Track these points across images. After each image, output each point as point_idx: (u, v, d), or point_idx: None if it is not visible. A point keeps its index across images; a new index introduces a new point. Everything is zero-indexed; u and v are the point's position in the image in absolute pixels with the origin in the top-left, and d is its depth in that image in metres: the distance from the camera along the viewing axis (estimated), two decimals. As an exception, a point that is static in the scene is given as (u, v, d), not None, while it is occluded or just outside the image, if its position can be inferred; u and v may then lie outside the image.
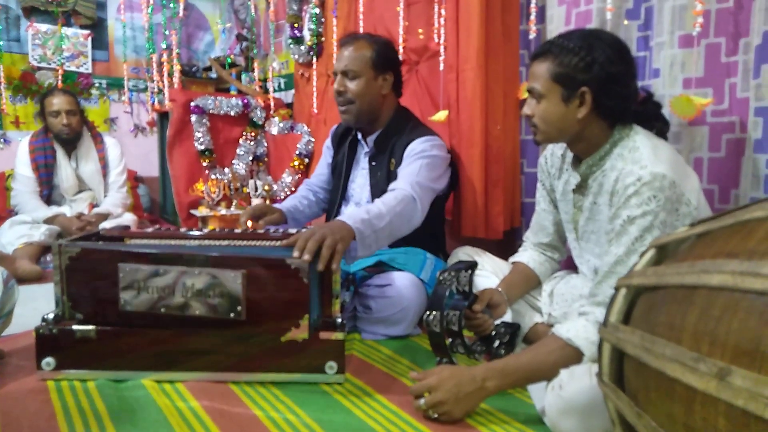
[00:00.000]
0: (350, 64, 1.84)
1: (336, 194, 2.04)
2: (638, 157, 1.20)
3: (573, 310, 1.45)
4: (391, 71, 1.89)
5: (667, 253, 0.82)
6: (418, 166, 1.75)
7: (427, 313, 1.35)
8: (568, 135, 1.30)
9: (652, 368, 0.68)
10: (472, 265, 1.49)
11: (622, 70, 1.23)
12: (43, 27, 3.78)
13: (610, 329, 0.80)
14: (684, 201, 1.19)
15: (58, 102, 2.82)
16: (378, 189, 1.89)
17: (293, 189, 3.34)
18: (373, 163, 1.94)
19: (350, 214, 1.52)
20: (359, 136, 2.00)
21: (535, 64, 1.28)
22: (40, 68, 3.78)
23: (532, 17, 1.95)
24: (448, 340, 1.38)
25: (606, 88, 1.22)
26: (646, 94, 1.36)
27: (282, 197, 3.36)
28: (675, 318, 0.68)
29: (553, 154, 1.50)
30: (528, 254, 1.60)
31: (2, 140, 3.73)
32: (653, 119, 1.32)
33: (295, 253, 1.32)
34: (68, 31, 3.86)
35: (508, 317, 1.54)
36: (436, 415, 1.17)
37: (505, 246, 2.10)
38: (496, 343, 1.47)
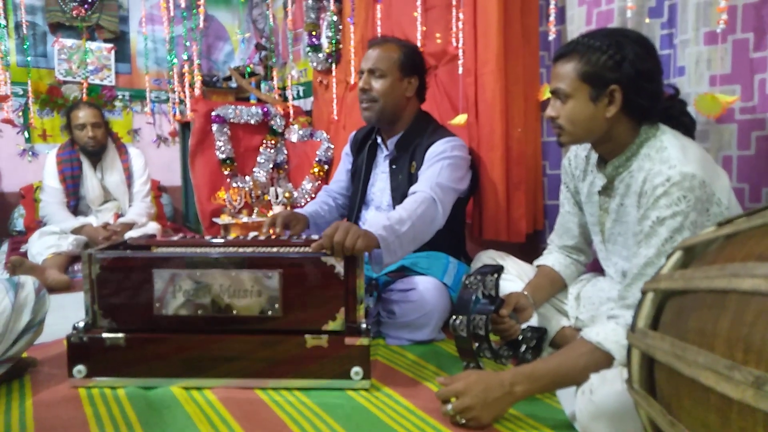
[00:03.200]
0: (377, 63, 1.86)
1: (355, 198, 2.05)
2: (666, 157, 1.18)
3: (601, 313, 1.42)
4: (417, 75, 1.91)
5: (695, 255, 0.80)
6: (438, 168, 1.75)
7: (454, 317, 1.34)
8: (596, 135, 1.28)
9: (685, 376, 0.66)
10: (498, 269, 1.47)
11: (651, 67, 1.21)
12: (69, 42, 3.87)
13: (639, 335, 0.78)
14: (715, 201, 1.17)
15: (83, 115, 2.89)
16: (399, 192, 1.89)
17: (313, 195, 3.36)
18: (394, 167, 1.94)
19: (371, 222, 1.52)
20: (378, 139, 2.01)
21: (559, 65, 1.27)
22: (65, 82, 3.88)
23: (552, 18, 1.93)
24: (475, 345, 1.37)
25: (636, 85, 1.20)
26: (672, 92, 1.33)
27: (302, 204, 3.38)
28: (706, 324, 0.66)
29: (577, 155, 1.48)
30: (553, 257, 1.58)
31: (30, 153, 3.82)
32: (680, 116, 1.30)
33: (328, 251, 1.36)
34: (92, 45, 3.95)
35: (534, 321, 1.53)
36: (463, 421, 1.16)
37: (528, 249, 2.08)
38: (523, 347, 1.45)
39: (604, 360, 1.11)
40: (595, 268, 1.60)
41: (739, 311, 0.63)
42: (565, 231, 1.58)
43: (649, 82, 1.21)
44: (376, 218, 1.61)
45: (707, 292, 0.68)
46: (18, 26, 3.71)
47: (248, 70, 3.99)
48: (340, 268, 1.36)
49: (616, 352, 1.10)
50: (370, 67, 1.87)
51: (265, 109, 3.65)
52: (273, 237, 1.72)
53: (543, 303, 1.55)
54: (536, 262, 1.63)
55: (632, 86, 1.20)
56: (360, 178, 2.04)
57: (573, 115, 1.25)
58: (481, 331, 1.35)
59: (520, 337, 1.46)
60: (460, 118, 2.19)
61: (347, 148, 2.17)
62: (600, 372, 1.08)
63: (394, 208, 1.86)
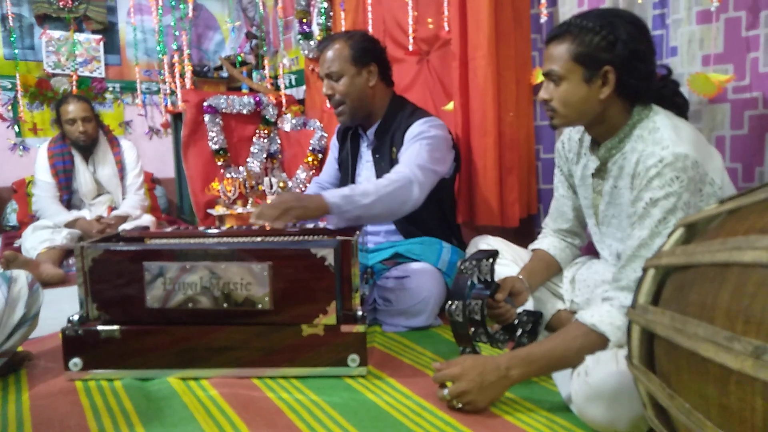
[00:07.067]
0: (331, 65, 1.84)
1: None
2: (659, 138, 1.18)
3: (596, 296, 1.43)
4: (374, 62, 1.87)
5: (697, 232, 0.80)
6: (417, 148, 1.74)
7: (449, 302, 1.34)
8: (589, 117, 1.27)
9: (684, 349, 0.66)
10: (493, 254, 1.47)
11: (643, 48, 1.21)
12: (56, 34, 3.82)
13: (639, 311, 0.78)
14: (708, 181, 1.17)
15: (73, 110, 2.85)
16: None
17: (308, 185, 3.34)
18: (377, 155, 1.93)
19: (334, 191, 1.57)
20: (360, 130, 2.00)
21: (551, 46, 1.26)
22: (54, 75, 3.83)
23: (543, 0, 1.92)
24: (471, 330, 1.37)
25: (629, 66, 1.20)
26: (665, 72, 1.33)
27: (297, 194, 3.37)
28: (707, 297, 0.66)
29: (571, 138, 1.48)
30: (548, 241, 1.58)
31: (21, 147, 3.79)
32: (672, 97, 1.29)
33: (252, 219, 1.43)
34: (80, 36, 3.90)
35: (529, 305, 1.53)
36: (460, 405, 1.16)
37: (523, 234, 2.08)
38: (519, 331, 1.45)
39: (599, 342, 1.11)
40: (590, 251, 1.60)
41: (740, 283, 0.62)
42: (559, 215, 1.58)
43: (642, 62, 1.21)
44: (340, 189, 1.65)
45: (708, 266, 0.68)
46: (4, 18, 3.66)
47: (239, 59, 3.95)
48: (331, 260, 1.33)
49: (611, 334, 1.10)
50: (326, 72, 1.86)
51: (258, 99, 3.62)
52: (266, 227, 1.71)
53: (538, 287, 1.55)
54: (531, 247, 1.63)
55: (625, 67, 1.20)
56: (347, 169, 2.04)
57: (566, 97, 1.24)
58: (476, 316, 1.36)
59: (516, 321, 1.46)
60: (454, 104, 2.17)
61: (334, 139, 2.18)
62: (595, 354, 1.09)
63: None
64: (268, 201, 3.33)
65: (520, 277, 1.50)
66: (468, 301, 1.35)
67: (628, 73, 1.20)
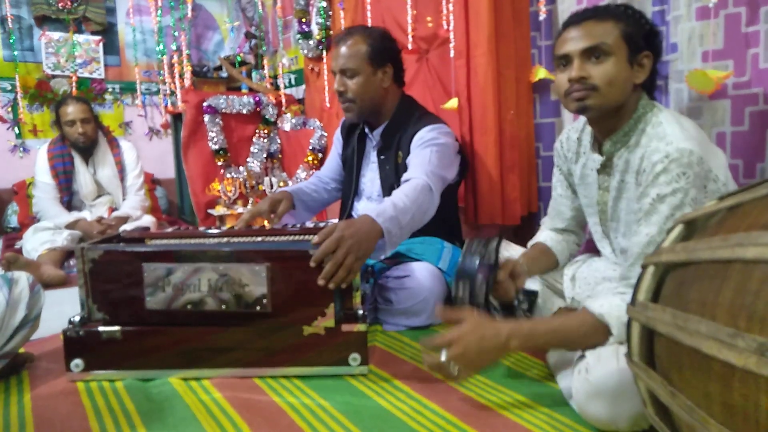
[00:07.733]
0: (347, 62, 1.79)
1: (349, 189, 2.03)
2: (663, 133, 1.17)
3: (597, 293, 1.42)
4: (390, 63, 1.84)
5: (696, 228, 0.80)
6: (428, 154, 1.72)
7: (456, 282, 1.34)
8: (621, 102, 1.23)
9: (686, 346, 0.66)
10: (499, 237, 1.47)
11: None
12: (56, 35, 3.82)
13: (639, 308, 0.78)
14: (712, 177, 1.16)
15: (72, 111, 2.85)
16: (387, 183, 1.87)
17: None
18: (382, 157, 1.92)
19: (380, 209, 1.47)
20: (366, 129, 1.99)
21: (590, 24, 1.20)
22: (54, 76, 3.83)
23: (543, -2, 1.91)
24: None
25: (657, 57, 1.23)
26: None
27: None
28: (708, 294, 0.66)
29: (569, 137, 1.48)
30: (545, 234, 1.59)
31: (21, 149, 3.79)
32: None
33: (312, 264, 1.31)
34: (80, 38, 3.90)
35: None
36: (456, 370, 1.11)
37: (523, 232, 2.08)
38: (517, 311, 1.45)
39: (603, 333, 1.09)
40: (590, 249, 1.60)
41: (743, 280, 0.62)
42: (557, 214, 1.57)
43: (660, 57, 1.25)
44: (382, 205, 1.54)
45: (710, 263, 0.68)
46: (3, 20, 3.66)
47: (238, 59, 3.95)
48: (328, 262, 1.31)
49: (615, 328, 1.09)
50: (340, 67, 1.81)
51: (257, 99, 3.62)
52: (265, 227, 1.72)
53: (536, 273, 1.55)
54: (529, 244, 1.63)
55: (657, 57, 1.23)
56: (351, 168, 2.02)
57: (614, 75, 1.19)
58: (481, 297, 1.35)
59: (516, 302, 1.46)
60: (453, 102, 2.17)
61: (338, 133, 2.15)
62: (596, 351, 1.08)
63: (384, 197, 1.85)
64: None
65: (520, 261, 1.49)
66: (474, 277, 1.33)
67: (655, 63, 1.23)
